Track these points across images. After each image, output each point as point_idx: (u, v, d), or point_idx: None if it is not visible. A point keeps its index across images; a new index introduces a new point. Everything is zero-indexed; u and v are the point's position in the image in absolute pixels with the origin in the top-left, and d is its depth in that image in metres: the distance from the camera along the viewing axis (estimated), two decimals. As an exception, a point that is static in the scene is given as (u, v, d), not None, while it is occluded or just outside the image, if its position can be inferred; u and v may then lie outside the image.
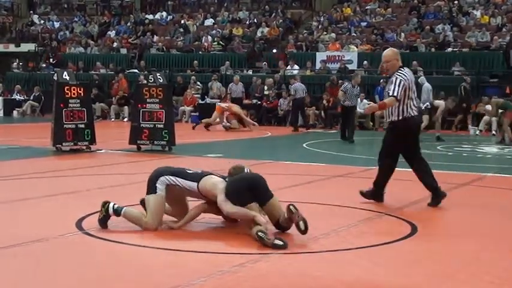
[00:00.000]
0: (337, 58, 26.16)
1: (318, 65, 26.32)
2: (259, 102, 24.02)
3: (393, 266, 5.26)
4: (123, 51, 30.61)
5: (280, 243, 5.52)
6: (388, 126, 7.98)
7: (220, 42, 29.28)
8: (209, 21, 31.87)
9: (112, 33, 32.72)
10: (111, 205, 6.22)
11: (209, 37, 29.77)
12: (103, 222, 6.21)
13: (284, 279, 4.78)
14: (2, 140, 15.77)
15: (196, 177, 6.24)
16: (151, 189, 6.21)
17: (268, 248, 5.50)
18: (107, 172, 10.76)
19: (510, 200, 8.69)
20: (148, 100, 13.57)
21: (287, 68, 25.89)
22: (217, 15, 32.58)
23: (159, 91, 13.57)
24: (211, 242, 5.87)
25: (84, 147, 13.41)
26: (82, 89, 13.42)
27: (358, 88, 18.09)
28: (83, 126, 13.29)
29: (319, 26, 29.23)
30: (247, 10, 32.75)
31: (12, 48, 34.29)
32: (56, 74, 14.62)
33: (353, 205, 7.71)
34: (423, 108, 18.19)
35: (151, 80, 14.05)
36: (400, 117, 7.65)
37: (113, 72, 28.00)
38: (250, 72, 26.83)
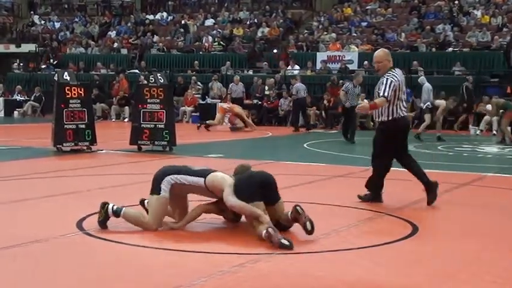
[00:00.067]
0: (337, 58, 26.17)
1: (319, 65, 26.33)
2: (259, 103, 24.05)
3: (394, 266, 5.25)
4: (124, 51, 30.62)
5: (287, 243, 5.51)
6: (378, 127, 8.07)
7: (221, 43, 29.29)
8: (210, 22, 31.89)
9: (112, 34, 32.74)
10: (110, 206, 6.19)
11: (210, 37, 29.77)
12: (103, 223, 6.20)
13: (286, 279, 4.77)
14: (2, 140, 15.77)
15: (203, 173, 6.22)
16: (156, 189, 6.17)
17: (268, 248, 5.49)
18: (107, 172, 10.75)
19: (510, 200, 8.68)
20: (149, 100, 13.58)
21: (288, 68, 25.89)
22: (218, 15, 32.59)
23: (159, 91, 13.57)
24: (212, 242, 5.86)
25: (85, 148, 13.40)
26: (83, 90, 13.42)
27: (360, 88, 18.08)
28: (83, 126, 13.29)
29: (320, 26, 29.22)
30: (248, 10, 32.76)
31: (12, 48, 34.31)
32: (56, 75, 14.62)
33: (353, 205, 7.72)
34: (424, 107, 18.23)
35: (151, 80, 14.03)
36: (390, 118, 7.72)
37: (113, 73, 28.01)
38: (250, 72, 26.84)
